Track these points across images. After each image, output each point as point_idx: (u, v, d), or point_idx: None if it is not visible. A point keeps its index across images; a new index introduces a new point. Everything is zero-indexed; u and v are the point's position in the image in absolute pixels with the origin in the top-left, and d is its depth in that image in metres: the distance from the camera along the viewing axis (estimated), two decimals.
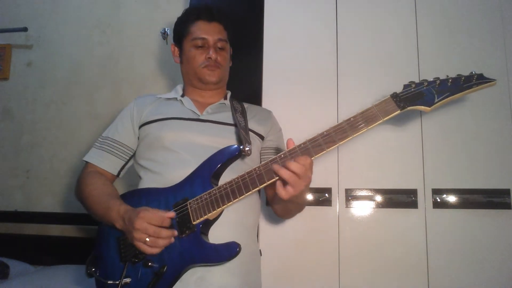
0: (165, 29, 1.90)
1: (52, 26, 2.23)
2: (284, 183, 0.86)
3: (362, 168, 1.39)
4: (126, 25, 2.14)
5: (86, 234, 1.97)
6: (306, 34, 1.52)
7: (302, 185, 0.85)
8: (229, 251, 0.90)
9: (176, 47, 1.24)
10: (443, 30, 1.40)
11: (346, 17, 1.49)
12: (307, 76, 1.49)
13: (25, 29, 2.19)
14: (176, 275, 0.91)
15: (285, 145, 0.90)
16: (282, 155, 0.88)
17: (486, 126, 1.32)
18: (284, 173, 0.84)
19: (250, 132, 1.13)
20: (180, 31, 1.20)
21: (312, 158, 0.86)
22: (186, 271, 0.93)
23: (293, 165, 0.83)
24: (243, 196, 0.90)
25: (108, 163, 1.12)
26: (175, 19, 1.24)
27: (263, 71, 1.52)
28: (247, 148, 0.97)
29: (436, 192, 1.31)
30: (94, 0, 2.20)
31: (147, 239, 0.88)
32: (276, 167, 0.85)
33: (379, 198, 1.36)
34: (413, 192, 1.33)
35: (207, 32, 1.16)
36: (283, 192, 0.85)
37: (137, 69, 2.09)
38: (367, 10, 1.48)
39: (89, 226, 1.94)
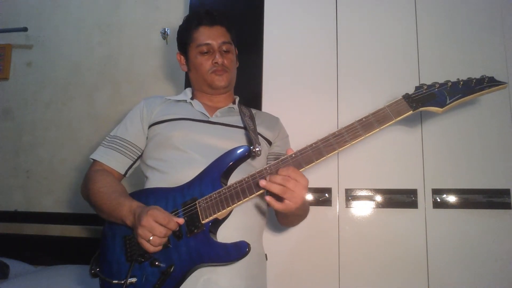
0: (165, 29, 1.90)
1: (52, 26, 2.23)
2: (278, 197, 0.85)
3: (362, 168, 1.39)
4: (126, 25, 2.14)
5: (87, 234, 1.96)
6: (306, 34, 1.52)
7: (293, 202, 0.84)
8: (238, 251, 0.89)
9: (181, 56, 1.23)
10: (443, 30, 1.40)
11: (346, 17, 1.49)
12: (307, 77, 1.49)
13: (25, 29, 2.18)
14: (184, 275, 0.90)
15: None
16: (293, 155, 0.88)
17: (486, 126, 1.32)
18: (271, 186, 0.84)
19: (258, 136, 1.13)
20: (184, 39, 1.19)
21: (322, 159, 0.86)
22: (194, 271, 0.92)
23: (276, 178, 0.83)
24: (254, 195, 0.89)
25: (116, 162, 1.11)
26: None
27: (263, 71, 1.52)
28: (257, 149, 0.97)
29: (436, 192, 1.32)
30: (94, 0, 2.20)
31: (151, 237, 0.87)
32: (262, 182, 0.84)
33: (379, 198, 1.36)
34: (413, 192, 1.33)
35: (211, 37, 1.15)
36: (274, 204, 0.85)
37: (137, 69, 2.09)
38: (367, 10, 1.48)
39: (90, 226, 1.94)
